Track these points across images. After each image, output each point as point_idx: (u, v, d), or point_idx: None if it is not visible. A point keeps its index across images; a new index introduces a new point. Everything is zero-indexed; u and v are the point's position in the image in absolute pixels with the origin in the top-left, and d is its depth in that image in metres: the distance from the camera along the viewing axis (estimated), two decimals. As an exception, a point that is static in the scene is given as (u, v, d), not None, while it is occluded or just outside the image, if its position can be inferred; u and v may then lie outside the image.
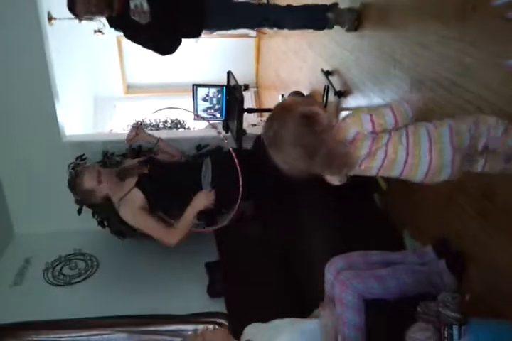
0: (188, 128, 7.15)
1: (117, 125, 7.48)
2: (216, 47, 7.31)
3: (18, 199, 4.41)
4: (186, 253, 3.55)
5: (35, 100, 4.10)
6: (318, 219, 2.62)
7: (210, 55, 7.39)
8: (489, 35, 1.79)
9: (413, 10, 2.39)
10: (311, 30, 3.41)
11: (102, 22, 5.36)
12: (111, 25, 3.06)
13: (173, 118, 7.29)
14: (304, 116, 1.33)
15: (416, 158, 1.40)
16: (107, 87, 7.50)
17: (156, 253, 3.71)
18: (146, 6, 2.59)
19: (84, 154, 4.07)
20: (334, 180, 1.52)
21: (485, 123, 1.42)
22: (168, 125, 7.25)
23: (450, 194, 2.12)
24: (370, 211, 2.71)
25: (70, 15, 4.97)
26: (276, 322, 1.89)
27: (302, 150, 1.33)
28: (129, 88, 7.75)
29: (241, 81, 3.68)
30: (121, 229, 3.93)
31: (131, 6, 2.59)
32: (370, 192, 2.79)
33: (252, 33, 6.48)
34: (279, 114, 1.39)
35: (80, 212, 3.98)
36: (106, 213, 3.87)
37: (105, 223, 4.08)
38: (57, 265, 4.09)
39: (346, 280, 1.90)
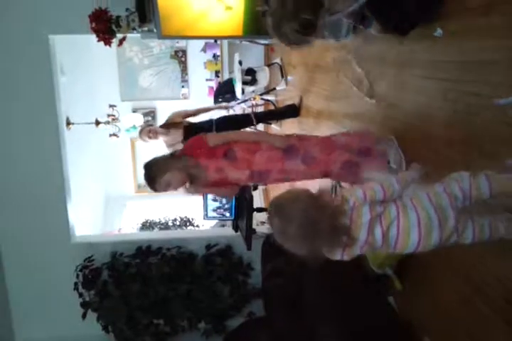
0: (197, 226, 7.15)
1: (127, 224, 7.51)
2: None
3: (21, 304, 4.30)
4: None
5: (48, 202, 4.19)
6: (330, 326, 2.49)
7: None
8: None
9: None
10: None
11: (117, 126, 5.72)
12: None
13: (183, 216, 7.32)
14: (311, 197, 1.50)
15: (406, 226, 1.52)
16: (119, 187, 7.67)
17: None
18: None
19: (92, 255, 4.04)
20: (344, 255, 1.57)
21: (453, 179, 1.59)
22: (178, 223, 7.26)
23: (470, 298, 2.04)
24: (387, 315, 2.58)
25: (87, 120, 5.33)
26: None
27: (308, 229, 1.44)
28: (140, 187, 7.91)
29: (250, 181, 3.75)
30: (127, 335, 3.76)
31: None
32: (385, 294, 2.69)
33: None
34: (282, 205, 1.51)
35: (84, 316, 3.85)
36: (111, 318, 3.74)
37: (109, 328, 3.92)
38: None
39: None
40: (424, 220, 1.50)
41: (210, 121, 4.38)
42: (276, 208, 1.50)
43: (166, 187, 2.45)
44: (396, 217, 1.53)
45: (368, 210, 1.54)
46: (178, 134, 4.14)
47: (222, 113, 5.55)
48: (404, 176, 1.68)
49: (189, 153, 2.45)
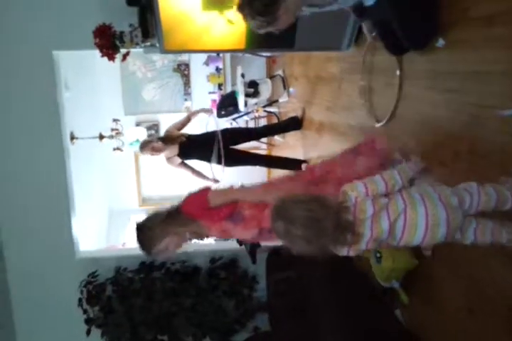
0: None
1: (131, 238, 7.47)
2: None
3: (25, 320, 4.26)
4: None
5: (52, 217, 4.17)
6: (337, 339, 2.45)
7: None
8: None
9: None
10: None
11: (121, 140, 5.74)
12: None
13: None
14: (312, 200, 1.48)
15: (413, 218, 1.51)
16: (123, 201, 7.66)
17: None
18: None
19: (96, 270, 4.02)
20: (350, 251, 1.57)
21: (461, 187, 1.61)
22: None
23: (476, 309, 2.01)
24: (393, 329, 2.54)
25: (91, 135, 5.35)
26: None
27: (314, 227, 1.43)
28: (144, 201, 7.90)
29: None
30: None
31: None
32: (392, 307, 2.66)
33: (263, 145, 6.78)
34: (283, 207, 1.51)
35: (88, 333, 3.81)
36: (115, 334, 3.70)
37: (114, 344, 3.88)
38: None
39: None
40: (431, 212, 1.49)
41: (213, 133, 4.36)
42: (279, 210, 1.50)
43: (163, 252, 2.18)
44: (403, 210, 1.51)
45: (370, 204, 1.53)
46: (175, 148, 4.30)
47: (226, 125, 5.56)
48: (404, 168, 1.68)
49: (189, 212, 2.15)
